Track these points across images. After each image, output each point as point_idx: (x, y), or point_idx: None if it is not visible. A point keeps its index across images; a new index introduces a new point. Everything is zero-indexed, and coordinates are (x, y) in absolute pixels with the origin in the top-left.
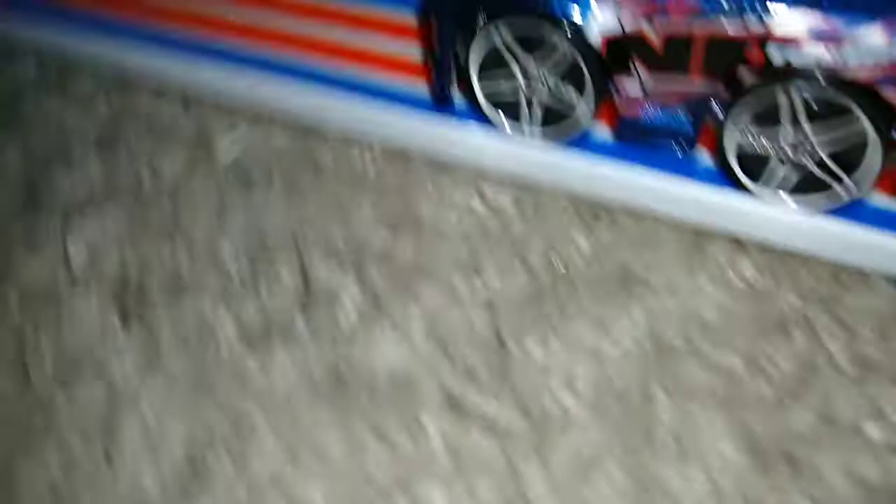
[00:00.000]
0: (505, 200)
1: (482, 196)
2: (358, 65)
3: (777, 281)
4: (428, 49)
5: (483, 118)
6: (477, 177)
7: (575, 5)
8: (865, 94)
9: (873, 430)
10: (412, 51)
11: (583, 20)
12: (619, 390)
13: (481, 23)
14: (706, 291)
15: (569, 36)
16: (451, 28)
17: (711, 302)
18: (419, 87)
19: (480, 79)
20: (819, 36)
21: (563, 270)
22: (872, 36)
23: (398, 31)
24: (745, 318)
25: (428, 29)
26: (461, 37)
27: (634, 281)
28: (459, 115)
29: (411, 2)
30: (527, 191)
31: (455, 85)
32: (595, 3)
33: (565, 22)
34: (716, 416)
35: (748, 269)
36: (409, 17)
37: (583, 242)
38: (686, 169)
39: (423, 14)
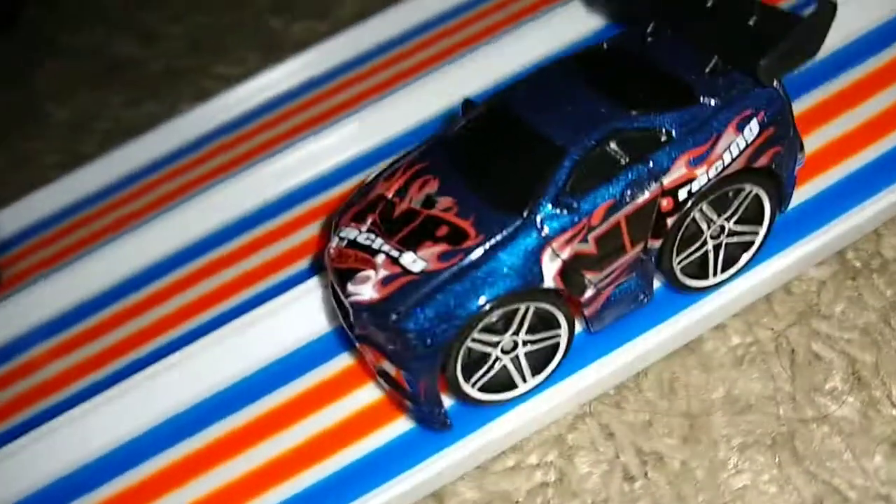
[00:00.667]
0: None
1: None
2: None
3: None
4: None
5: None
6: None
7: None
8: (745, 172)
9: None
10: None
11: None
12: None
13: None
14: None
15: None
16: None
17: None
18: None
19: (467, 380)
20: (698, 162)
21: None
22: (730, 139)
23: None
24: None
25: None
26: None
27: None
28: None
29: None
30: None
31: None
32: (543, 260)
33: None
34: None
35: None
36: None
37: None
38: (658, 308)
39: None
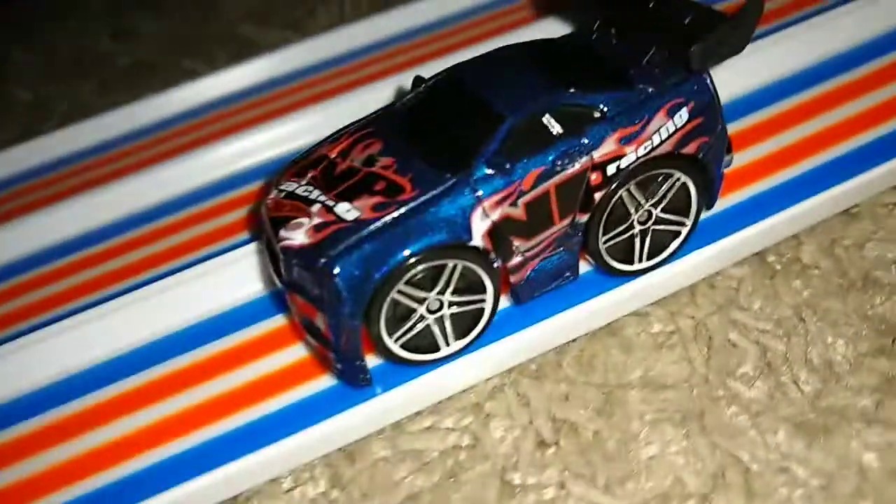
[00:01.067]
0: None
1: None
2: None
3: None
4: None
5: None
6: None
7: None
8: (673, 157)
9: None
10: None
11: (472, 237)
12: None
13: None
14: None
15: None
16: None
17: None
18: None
19: (391, 334)
20: (629, 140)
21: None
22: (660, 122)
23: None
24: None
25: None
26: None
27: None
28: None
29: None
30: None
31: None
32: (473, 218)
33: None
34: None
35: (657, 323)
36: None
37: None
38: (583, 288)
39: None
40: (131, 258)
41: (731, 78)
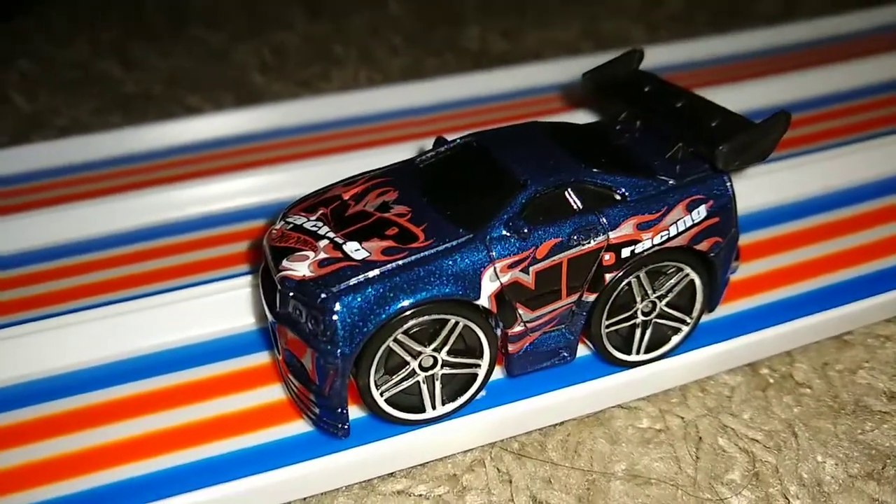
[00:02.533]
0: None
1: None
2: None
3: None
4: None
5: (386, 420)
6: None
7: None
8: (686, 252)
9: None
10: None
11: (479, 296)
12: None
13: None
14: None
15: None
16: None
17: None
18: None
19: (378, 385)
20: (646, 227)
21: None
22: (679, 215)
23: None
24: None
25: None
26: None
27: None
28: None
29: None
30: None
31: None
32: (483, 277)
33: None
34: None
35: (646, 419)
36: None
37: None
38: (575, 372)
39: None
40: (120, 272)
41: (748, 191)
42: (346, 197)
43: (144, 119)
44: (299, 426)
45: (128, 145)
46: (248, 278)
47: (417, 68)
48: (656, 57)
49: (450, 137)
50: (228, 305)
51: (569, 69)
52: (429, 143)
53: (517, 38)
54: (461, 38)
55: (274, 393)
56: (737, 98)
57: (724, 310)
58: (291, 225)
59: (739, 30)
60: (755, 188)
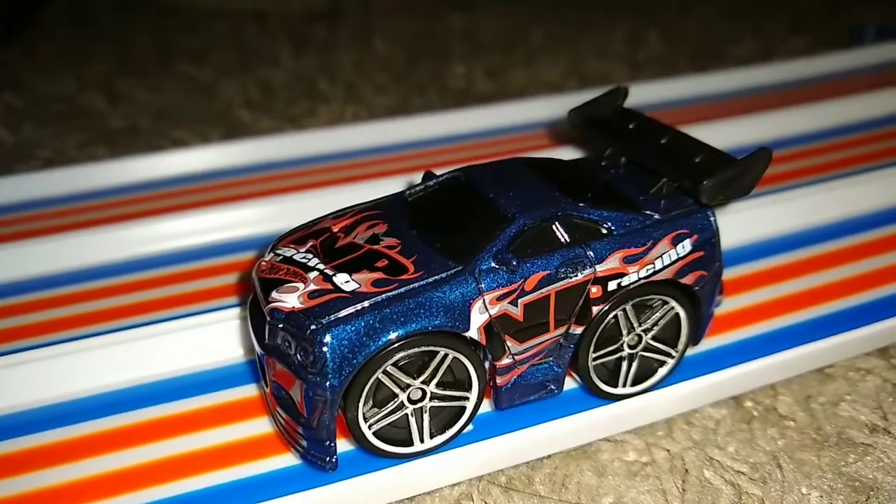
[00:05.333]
0: None
1: None
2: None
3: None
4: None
5: (374, 454)
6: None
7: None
8: (672, 285)
9: None
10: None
11: (469, 328)
12: None
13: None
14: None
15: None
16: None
17: None
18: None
19: (366, 418)
20: (632, 261)
21: None
22: (664, 248)
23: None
24: None
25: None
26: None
27: None
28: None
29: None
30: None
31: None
32: (473, 309)
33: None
34: None
35: (632, 452)
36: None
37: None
38: (562, 405)
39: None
40: (105, 304)
41: (731, 227)
42: (335, 229)
43: (131, 152)
44: (286, 459)
45: (115, 177)
46: (236, 310)
47: (403, 106)
48: (639, 95)
49: (438, 172)
50: (215, 338)
51: (553, 107)
52: (415, 178)
53: (502, 77)
54: (446, 76)
55: (261, 426)
56: (717, 135)
57: (708, 343)
58: (281, 257)
59: (719, 70)
60: (737, 223)
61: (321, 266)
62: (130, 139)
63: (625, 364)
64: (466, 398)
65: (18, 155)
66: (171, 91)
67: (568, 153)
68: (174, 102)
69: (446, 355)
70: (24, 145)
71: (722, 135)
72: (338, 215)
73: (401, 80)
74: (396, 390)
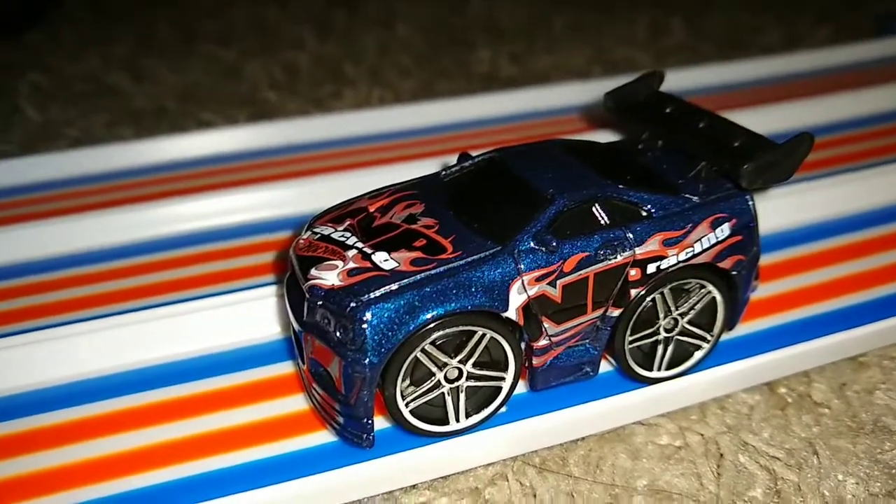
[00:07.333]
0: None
1: None
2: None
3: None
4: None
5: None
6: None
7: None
8: (710, 269)
9: None
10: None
11: (507, 308)
12: None
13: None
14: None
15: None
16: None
17: None
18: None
19: (404, 396)
20: (672, 244)
21: None
22: (703, 232)
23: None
24: None
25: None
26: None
27: None
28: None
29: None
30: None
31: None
32: (511, 289)
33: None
34: None
35: (665, 436)
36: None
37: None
38: (597, 387)
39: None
40: (136, 282)
41: (768, 212)
42: (372, 209)
43: (157, 133)
44: (323, 436)
45: (143, 157)
46: (272, 288)
47: (428, 90)
48: (665, 82)
49: (472, 154)
50: (251, 315)
51: (584, 92)
52: (448, 161)
53: (527, 63)
54: (470, 60)
55: (297, 402)
56: (754, 121)
57: (743, 328)
58: (319, 235)
59: (745, 58)
60: (774, 209)
61: (359, 244)
62: (156, 119)
63: (660, 348)
64: (503, 378)
65: (46, 134)
66: (195, 71)
67: (601, 137)
68: (199, 82)
69: (484, 335)
70: (52, 124)
71: (757, 120)
72: (374, 195)
73: (424, 65)
74: (434, 369)
